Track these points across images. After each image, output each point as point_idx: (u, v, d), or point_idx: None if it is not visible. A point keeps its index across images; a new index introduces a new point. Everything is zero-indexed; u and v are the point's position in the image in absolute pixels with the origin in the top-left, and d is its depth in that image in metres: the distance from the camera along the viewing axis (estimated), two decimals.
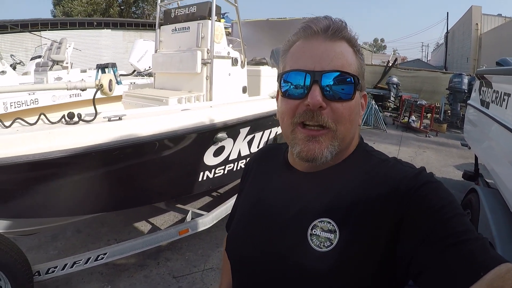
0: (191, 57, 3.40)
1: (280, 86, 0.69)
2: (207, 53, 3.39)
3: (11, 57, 8.81)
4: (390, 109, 13.24)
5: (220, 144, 2.84)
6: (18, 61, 8.84)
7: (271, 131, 3.65)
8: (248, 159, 3.50)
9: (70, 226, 3.40)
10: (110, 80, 2.09)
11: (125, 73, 7.64)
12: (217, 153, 2.91)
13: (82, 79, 2.13)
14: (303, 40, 0.67)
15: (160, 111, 2.60)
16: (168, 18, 3.92)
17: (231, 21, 7.37)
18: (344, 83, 0.64)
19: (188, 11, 3.68)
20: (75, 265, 2.32)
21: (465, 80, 10.43)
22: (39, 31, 14.03)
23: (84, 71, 6.75)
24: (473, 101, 3.60)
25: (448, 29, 26.77)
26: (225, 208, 3.13)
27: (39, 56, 8.12)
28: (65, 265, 2.29)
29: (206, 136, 2.68)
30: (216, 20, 3.51)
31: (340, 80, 0.63)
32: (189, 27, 3.62)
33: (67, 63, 6.54)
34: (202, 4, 3.58)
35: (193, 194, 3.26)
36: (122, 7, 23.68)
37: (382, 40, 76.65)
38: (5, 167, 1.79)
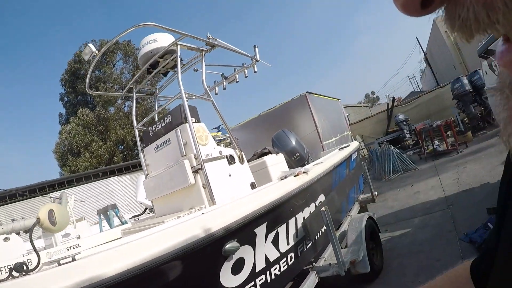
0: (179, 169, 2.99)
1: None
2: (195, 158, 2.99)
3: (12, 221, 8.64)
4: (410, 146, 12.85)
5: (235, 258, 2.20)
6: None
7: (296, 219, 2.98)
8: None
9: None
10: (51, 211, 1.61)
11: (138, 213, 7.34)
12: (236, 270, 2.23)
13: (17, 219, 1.70)
14: None
15: (130, 240, 1.87)
16: (148, 138, 3.66)
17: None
18: None
19: (164, 122, 3.43)
20: None
21: (465, 81, 10.34)
22: (48, 193, 14.35)
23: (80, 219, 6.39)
24: (490, 84, 3.26)
25: (424, 50, 27.85)
26: None
27: None
28: None
29: (208, 252, 2.03)
30: (195, 122, 3.22)
31: None
32: (169, 138, 3.31)
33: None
34: (174, 109, 3.32)
35: None
36: (125, 153, 24.81)
37: (373, 92, 78.77)
38: None
